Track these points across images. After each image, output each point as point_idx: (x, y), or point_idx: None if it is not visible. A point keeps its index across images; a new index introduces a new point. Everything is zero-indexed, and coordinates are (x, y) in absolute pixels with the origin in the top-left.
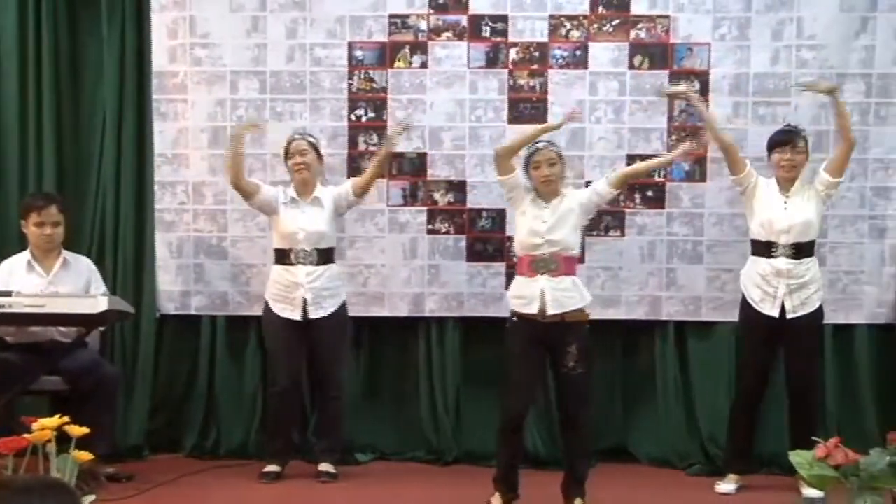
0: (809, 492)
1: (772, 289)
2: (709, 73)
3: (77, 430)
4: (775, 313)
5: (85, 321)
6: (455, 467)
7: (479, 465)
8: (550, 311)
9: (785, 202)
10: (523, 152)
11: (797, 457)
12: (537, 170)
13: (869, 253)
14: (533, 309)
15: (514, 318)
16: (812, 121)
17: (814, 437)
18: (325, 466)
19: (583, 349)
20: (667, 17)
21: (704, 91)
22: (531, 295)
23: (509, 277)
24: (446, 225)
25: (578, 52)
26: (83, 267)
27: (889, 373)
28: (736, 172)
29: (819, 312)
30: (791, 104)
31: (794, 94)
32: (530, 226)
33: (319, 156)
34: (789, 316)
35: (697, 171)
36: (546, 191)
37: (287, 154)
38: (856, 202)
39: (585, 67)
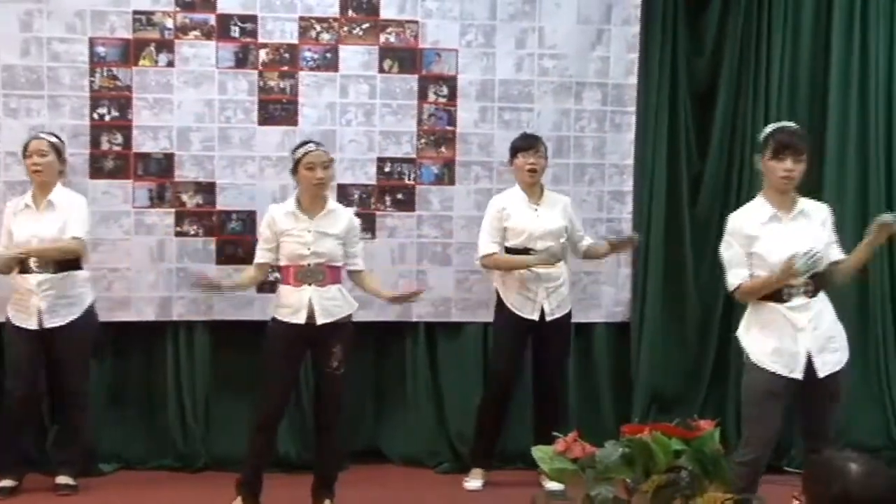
0: (550, 485)
1: (532, 293)
2: (456, 79)
3: None
4: (536, 317)
5: None
6: (204, 474)
7: (229, 471)
8: (320, 321)
9: (536, 209)
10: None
11: (539, 451)
12: (311, 171)
13: None
14: (300, 318)
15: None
16: (553, 127)
17: (554, 433)
18: (63, 479)
19: (346, 350)
20: (415, 22)
21: (453, 96)
22: (298, 304)
23: None
24: (195, 227)
25: (329, 55)
26: None
27: (624, 369)
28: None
29: (570, 313)
30: (534, 110)
31: (536, 100)
32: (296, 237)
33: (61, 157)
34: (548, 318)
35: (446, 174)
36: (314, 196)
37: (25, 153)
38: (595, 206)
39: (336, 70)
